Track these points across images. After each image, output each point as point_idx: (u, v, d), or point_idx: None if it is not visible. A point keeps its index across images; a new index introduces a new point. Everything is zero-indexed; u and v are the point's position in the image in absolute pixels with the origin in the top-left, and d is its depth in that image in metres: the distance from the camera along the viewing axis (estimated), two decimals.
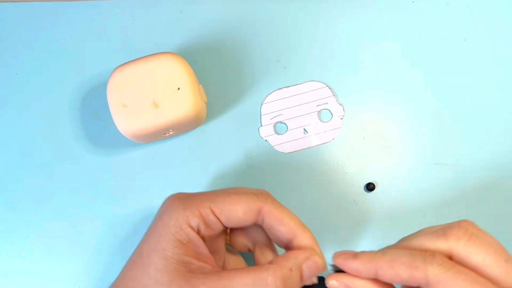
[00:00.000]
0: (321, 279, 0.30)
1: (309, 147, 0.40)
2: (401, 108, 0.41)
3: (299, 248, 0.30)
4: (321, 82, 0.41)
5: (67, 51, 0.41)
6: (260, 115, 0.40)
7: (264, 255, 0.32)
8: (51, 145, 0.40)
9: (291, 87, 0.41)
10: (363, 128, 0.40)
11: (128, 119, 0.34)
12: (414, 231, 0.36)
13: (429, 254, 0.27)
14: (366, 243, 0.38)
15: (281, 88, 0.41)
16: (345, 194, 0.39)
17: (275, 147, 0.40)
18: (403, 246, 0.29)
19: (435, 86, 0.41)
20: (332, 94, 0.40)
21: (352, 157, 0.40)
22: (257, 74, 0.41)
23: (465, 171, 0.39)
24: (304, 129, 0.40)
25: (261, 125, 0.40)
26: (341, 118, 0.40)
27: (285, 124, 0.40)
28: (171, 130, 0.36)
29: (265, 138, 0.40)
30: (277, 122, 0.40)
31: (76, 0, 0.42)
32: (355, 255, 0.29)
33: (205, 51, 0.41)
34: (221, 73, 0.41)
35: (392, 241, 0.37)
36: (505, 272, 0.27)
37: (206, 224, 0.29)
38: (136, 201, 0.39)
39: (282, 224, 0.29)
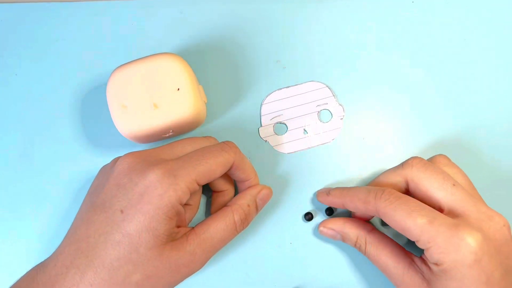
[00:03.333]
0: (329, 209, 0.39)
1: (309, 148, 0.40)
2: (401, 108, 0.41)
3: (250, 185, 0.36)
4: (321, 83, 0.41)
5: (67, 52, 0.41)
6: (260, 116, 0.40)
7: (221, 183, 0.37)
8: (51, 145, 0.40)
9: (291, 87, 0.41)
10: (363, 128, 0.40)
11: (128, 120, 0.34)
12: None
13: (380, 190, 0.32)
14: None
15: (280, 89, 0.41)
16: None
17: (275, 148, 0.40)
18: (373, 182, 0.36)
19: (435, 86, 0.41)
20: (332, 95, 0.40)
21: (352, 157, 0.40)
22: (256, 74, 0.41)
23: (465, 171, 0.39)
24: (304, 130, 0.40)
25: (261, 126, 0.40)
26: (341, 119, 0.40)
27: (285, 124, 0.40)
28: (171, 131, 0.36)
29: (265, 139, 0.40)
30: (277, 123, 0.40)
31: (75, 0, 0.42)
32: (328, 192, 0.37)
33: (204, 51, 0.41)
34: (221, 73, 0.41)
35: (396, 240, 0.37)
36: (450, 194, 0.32)
37: (189, 194, 0.31)
38: None
39: (243, 172, 0.35)
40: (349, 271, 0.38)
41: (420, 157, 0.34)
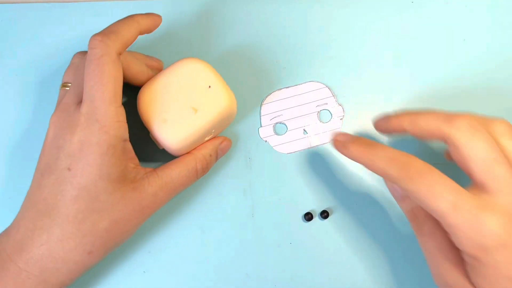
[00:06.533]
0: (324, 212, 0.38)
1: (309, 148, 0.40)
2: (401, 108, 0.41)
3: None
4: (321, 83, 0.41)
5: (67, 52, 0.41)
6: (260, 116, 0.40)
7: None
8: None
9: (291, 87, 0.41)
10: (363, 128, 0.40)
11: (172, 133, 0.33)
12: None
13: (459, 116, 0.29)
14: (368, 243, 0.38)
15: (280, 89, 0.41)
16: (345, 195, 0.39)
17: (275, 148, 0.40)
18: (410, 114, 0.32)
19: (434, 86, 0.41)
20: (331, 95, 0.41)
21: None
22: (256, 74, 0.41)
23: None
24: (304, 130, 0.40)
25: (261, 126, 0.40)
26: (341, 119, 0.40)
27: (285, 124, 0.40)
28: (213, 130, 0.35)
29: (264, 139, 0.40)
30: (276, 123, 0.40)
31: (75, 1, 0.42)
32: (392, 116, 0.33)
33: (205, 52, 0.41)
34: (220, 73, 0.41)
35: (395, 241, 0.37)
36: (488, 168, 0.28)
37: (124, 121, 0.32)
38: None
39: (151, 22, 0.35)
40: (349, 270, 0.38)
41: (470, 116, 0.30)
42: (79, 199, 0.30)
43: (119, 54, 0.32)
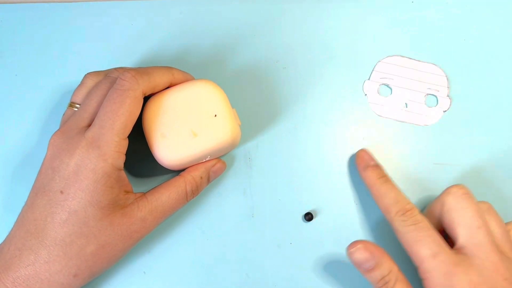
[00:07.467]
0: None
1: (400, 121, 0.40)
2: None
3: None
4: (442, 70, 0.41)
5: (67, 52, 0.41)
6: (372, 70, 0.41)
7: None
8: None
9: (413, 60, 0.41)
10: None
11: (168, 150, 0.33)
12: None
13: (403, 209, 0.33)
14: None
15: (403, 56, 0.41)
16: (346, 195, 0.38)
17: (370, 104, 0.40)
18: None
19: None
20: (447, 85, 0.40)
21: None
22: (257, 74, 0.41)
23: (465, 171, 0.39)
24: (406, 104, 0.40)
25: (369, 79, 0.40)
26: (444, 111, 0.40)
27: (391, 89, 0.41)
28: (208, 156, 0.35)
29: (365, 92, 0.40)
30: (384, 84, 0.41)
31: (75, 1, 0.42)
32: (371, 166, 0.37)
33: (205, 52, 0.41)
34: (229, 74, 0.40)
35: (395, 241, 0.36)
36: (470, 235, 0.32)
37: (124, 152, 0.32)
38: None
39: (185, 80, 0.35)
40: (349, 270, 0.38)
41: (463, 186, 0.33)
42: (68, 223, 0.30)
43: (144, 94, 0.33)
